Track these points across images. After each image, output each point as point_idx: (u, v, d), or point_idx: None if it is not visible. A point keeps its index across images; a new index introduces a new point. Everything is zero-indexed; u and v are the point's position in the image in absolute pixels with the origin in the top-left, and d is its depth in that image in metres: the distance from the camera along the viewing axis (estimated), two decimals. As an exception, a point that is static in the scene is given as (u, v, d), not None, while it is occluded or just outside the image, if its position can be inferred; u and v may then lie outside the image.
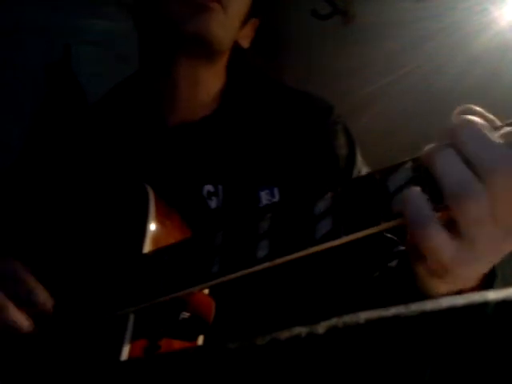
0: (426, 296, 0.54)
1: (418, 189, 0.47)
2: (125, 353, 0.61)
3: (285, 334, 0.40)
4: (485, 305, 0.34)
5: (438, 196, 0.47)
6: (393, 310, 0.37)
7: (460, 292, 0.53)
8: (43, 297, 0.67)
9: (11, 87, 1.47)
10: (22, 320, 0.65)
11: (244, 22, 0.95)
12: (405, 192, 0.48)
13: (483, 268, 0.50)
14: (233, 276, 0.56)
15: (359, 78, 1.31)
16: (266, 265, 0.54)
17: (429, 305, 0.36)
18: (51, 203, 0.85)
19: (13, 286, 0.66)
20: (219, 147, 0.89)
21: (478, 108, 0.49)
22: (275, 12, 1.42)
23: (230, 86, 0.96)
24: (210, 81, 0.94)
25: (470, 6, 1.17)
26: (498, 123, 0.49)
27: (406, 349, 0.35)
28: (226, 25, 0.88)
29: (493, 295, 0.34)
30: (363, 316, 0.39)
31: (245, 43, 0.98)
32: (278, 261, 0.54)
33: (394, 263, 0.73)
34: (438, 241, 0.47)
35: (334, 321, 0.39)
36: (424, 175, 0.48)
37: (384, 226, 0.49)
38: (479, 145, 0.46)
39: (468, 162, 0.46)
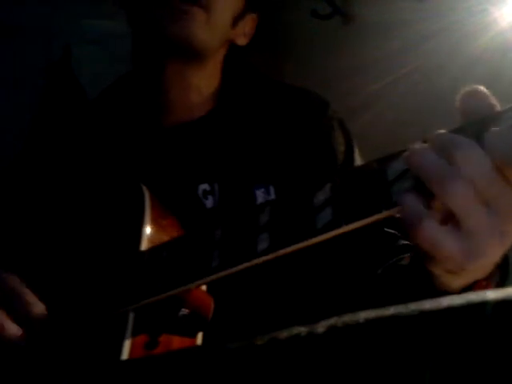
0: (442, 292, 0.54)
1: (409, 193, 0.48)
2: (125, 349, 0.61)
3: (284, 334, 0.40)
4: (484, 304, 0.34)
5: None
6: (392, 310, 0.37)
7: (474, 283, 0.53)
8: (39, 309, 0.67)
9: (11, 87, 1.47)
10: (14, 331, 0.66)
11: (236, 20, 0.93)
12: (399, 197, 0.48)
13: (494, 257, 0.50)
14: (233, 270, 0.56)
15: (359, 78, 1.31)
16: (267, 258, 0.54)
17: (428, 304, 0.36)
18: (49, 203, 0.85)
19: (9, 301, 0.67)
20: (215, 146, 0.89)
21: (482, 89, 0.49)
22: (275, 12, 1.42)
23: (226, 86, 0.96)
24: (203, 83, 0.93)
25: (470, 6, 1.17)
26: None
27: (406, 348, 0.35)
28: (209, 27, 0.87)
29: (492, 295, 0.34)
30: (363, 315, 0.39)
31: (241, 41, 0.96)
32: (279, 253, 0.53)
33: (405, 262, 0.73)
34: (437, 236, 0.47)
35: (333, 320, 0.39)
36: None
37: (385, 214, 0.49)
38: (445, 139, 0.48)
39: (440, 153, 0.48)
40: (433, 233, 0.47)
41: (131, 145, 0.90)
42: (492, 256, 0.49)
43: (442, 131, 0.50)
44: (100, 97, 1.00)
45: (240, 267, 0.56)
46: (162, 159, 0.88)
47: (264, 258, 0.54)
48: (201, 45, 0.87)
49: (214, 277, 0.58)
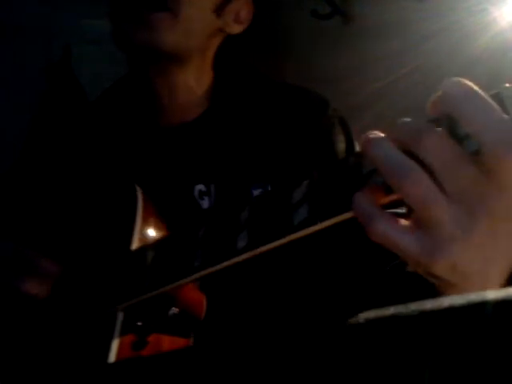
0: None
1: (361, 193, 0.46)
2: (113, 349, 0.61)
3: (283, 334, 0.40)
4: (484, 304, 0.34)
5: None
6: (392, 310, 0.37)
7: None
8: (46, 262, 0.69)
9: (11, 87, 1.47)
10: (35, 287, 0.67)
11: (221, 8, 0.89)
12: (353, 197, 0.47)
13: (460, 256, 0.44)
14: (215, 268, 0.56)
15: (359, 78, 1.30)
16: (246, 255, 0.54)
17: (428, 304, 0.36)
18: (45, 203, 0.85)
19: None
20: (211, 146, 0.88)
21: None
22: (275, 12, 1.42)
23: (220, 84, 0.95)
24: (192, 82, 0.92)
25: (470, 6, 1.17)
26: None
27: (405, 348, 0.35)
28: (180, 28, 0.85)
29: (492, 295, 0.34)
30: (363, 315, 0.39)
31: (235, 29, 0.93)
32: (258, 251, 0.53)
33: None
34: (390, 236, 0.45)
35: (333, 320, 0.40)
36: None
37: None
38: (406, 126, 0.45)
39: (401, 146, 0.45)
40: (384, 232, 0.45)
41: (128, 146, 0.90)
42: (454, 253, 0.44)
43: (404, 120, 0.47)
44: (99, 98, 1.00)
45: (221, 266, 0.56)
46: (158, 160, 0.88)
47: (243, 256, 0.54)
48: (173, 48, 0.86)
49: (196, 275, 0.58)
